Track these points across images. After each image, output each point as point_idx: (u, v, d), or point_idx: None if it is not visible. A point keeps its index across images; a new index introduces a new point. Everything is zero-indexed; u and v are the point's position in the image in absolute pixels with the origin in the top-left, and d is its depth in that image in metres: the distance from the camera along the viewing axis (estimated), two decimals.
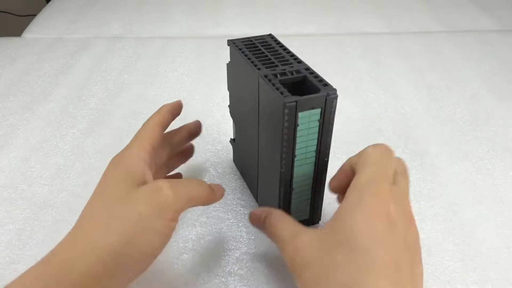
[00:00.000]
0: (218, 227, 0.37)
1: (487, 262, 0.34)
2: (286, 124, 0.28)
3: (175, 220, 0.27)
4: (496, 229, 0.37)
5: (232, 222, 0.37)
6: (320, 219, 0.36)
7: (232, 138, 0.42)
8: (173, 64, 0.62)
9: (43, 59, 0.64)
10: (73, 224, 0.38)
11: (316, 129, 0.30)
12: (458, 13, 0.77)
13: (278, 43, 0.35)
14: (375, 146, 0.29)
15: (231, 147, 0.43)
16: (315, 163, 0.32)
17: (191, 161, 0.45)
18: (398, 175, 0.28)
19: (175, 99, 0.36)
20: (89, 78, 0.59)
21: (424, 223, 0.37)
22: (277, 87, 0.28)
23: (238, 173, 0.43)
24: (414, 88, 0.56)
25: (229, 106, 0.40)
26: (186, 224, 0.37)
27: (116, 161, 0.29)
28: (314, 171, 0.32)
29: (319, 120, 0.29)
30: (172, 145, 0.36)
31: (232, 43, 0.35)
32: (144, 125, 0.32)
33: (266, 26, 0.74)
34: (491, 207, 0.39)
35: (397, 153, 0.45)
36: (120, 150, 0.30)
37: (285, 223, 0.29)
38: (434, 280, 0.33)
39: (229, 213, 0.38)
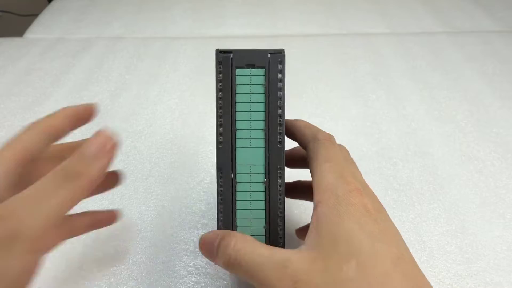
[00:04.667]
0: None
1: (490, 265, 0.34)
2: (220, 77, 0.24)
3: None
4: (499, 232, 0.37)
5: None
6: (284, 242, 0.26)
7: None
8: (174, 64, 0.61)
9: (45, 59, 0.64)
10: None
11: (262, 97, 0.25)
12: (459, 14, 0.77)
13: None
14: (318, 142, 0.26)
15: None
16: (265, 148, 0.26)
17: (194, 163, 0.44)
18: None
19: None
20: (91, 78, 0.59)
21: (426, 226, 0.37)
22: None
23: None
24: (415, 89, 0.56)
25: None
26: (188, 226, 0.37)
27: None
28: (266, 162, 0.26)
29: (263, 85, 0.25)
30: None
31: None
32: (25, 128, 0.24)
33: (267, 26, 0.74)
34: (494, 209, 0.39)
35: (399, 154, 0.45)
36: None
37: (256, 248, 0.22)
38: (437, 283, 0.32)
39: None
